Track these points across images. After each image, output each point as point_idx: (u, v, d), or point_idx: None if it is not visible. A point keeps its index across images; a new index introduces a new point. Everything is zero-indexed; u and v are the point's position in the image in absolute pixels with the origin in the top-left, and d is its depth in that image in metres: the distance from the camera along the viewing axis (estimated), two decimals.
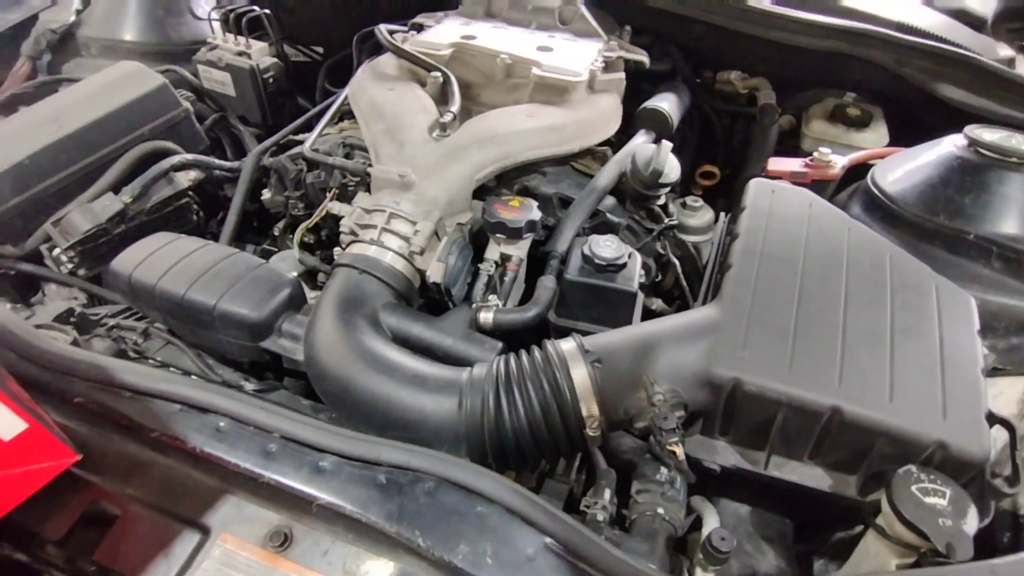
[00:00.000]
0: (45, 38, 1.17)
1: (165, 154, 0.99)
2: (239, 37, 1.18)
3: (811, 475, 0.62)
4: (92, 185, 0.92)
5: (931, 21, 1.16)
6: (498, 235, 0.80)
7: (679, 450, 0.56)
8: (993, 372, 0.74)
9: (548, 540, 0.48)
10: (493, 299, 0.77)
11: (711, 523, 0.58)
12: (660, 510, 0.57)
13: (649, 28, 1.18)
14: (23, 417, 0.46)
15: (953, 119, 0.93)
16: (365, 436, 0.55)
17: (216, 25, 1.24)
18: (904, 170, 0.88)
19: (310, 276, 0.97)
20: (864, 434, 0.56)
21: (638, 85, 1.09)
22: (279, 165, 0.99)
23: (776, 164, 0.95)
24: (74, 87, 0.99)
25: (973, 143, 0.84)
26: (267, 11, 1.20)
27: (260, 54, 1.18)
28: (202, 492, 0.52)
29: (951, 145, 0.85)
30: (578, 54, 1.00)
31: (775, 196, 0.76)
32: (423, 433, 0.60)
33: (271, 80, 1.18)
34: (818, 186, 0.93)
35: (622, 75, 1.02)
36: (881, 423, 0.55)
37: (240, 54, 1.16)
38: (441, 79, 0.96)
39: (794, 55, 1.11)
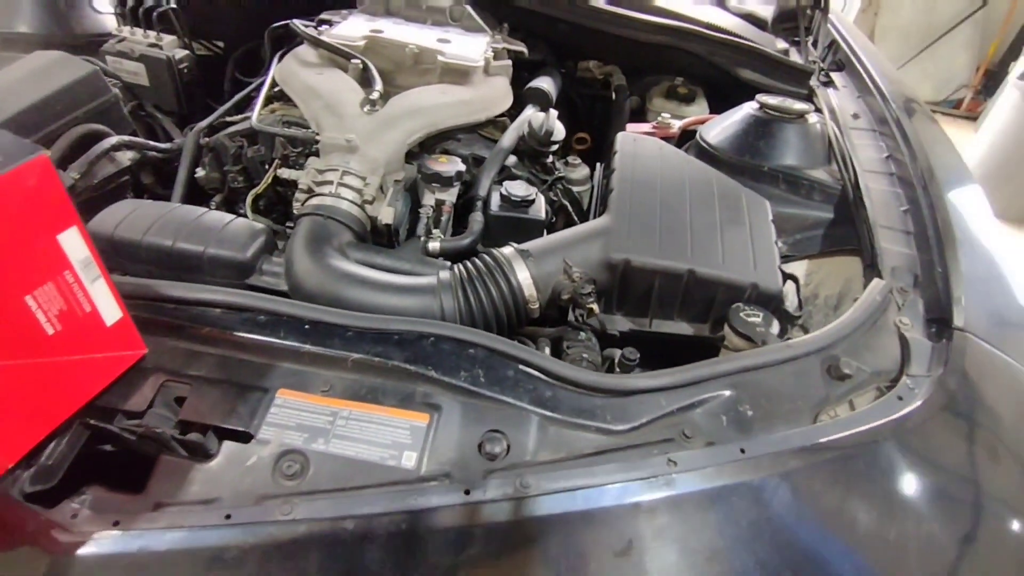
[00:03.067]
0: None
1: (100, 136, 1.06)
2: (148, 31, 1.26)
3: (679, 327, 0.90)
4: None
5: (729, 21, 1.53)
6: (433, 184, 1.00)
7: (595, 306, 0.80)
8: (785, 259, 1.08)
9: (520, 365, 0.70)
10: (437, 232, 0.97)
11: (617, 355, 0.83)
12: (585, 355, 0.81)
13: (521, 26, 1.44)
14: (121, 307, 0.59)
15: (749, 93, 1.27)
16: (376, 315, 0.72)
17: (113, 19, 1.30)
18: (720, 128, 1.21)
19: None
20: (710, 286, 0.84)
21: (519, 73, 1.34)
22: (218, 143, 1.10)
23: (631, 128, 1.25)
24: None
25: (763, 106, 1.18)
26: (174, 7, 1.28)
27: (171, 46, 1.26)
28: (255, 366, 0.66)
29: (749, 109, 1.19)
30: (471, 45, 1.23)
31: (636, 143, 1.04)
32: None
33: (186, 70, 1.27)
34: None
35: (509, 62, 1.26)
36: (719, 276, 0.84)
37: (152, 46, 1.24)
38: (361, 65, 1.13)
39: (637, 47, 1.43)
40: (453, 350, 0.70)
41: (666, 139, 1.25)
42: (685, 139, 1.29)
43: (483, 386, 0.67)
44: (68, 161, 1.01)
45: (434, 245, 0.93)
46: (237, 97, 1.22)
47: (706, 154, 1.18)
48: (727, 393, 0.70)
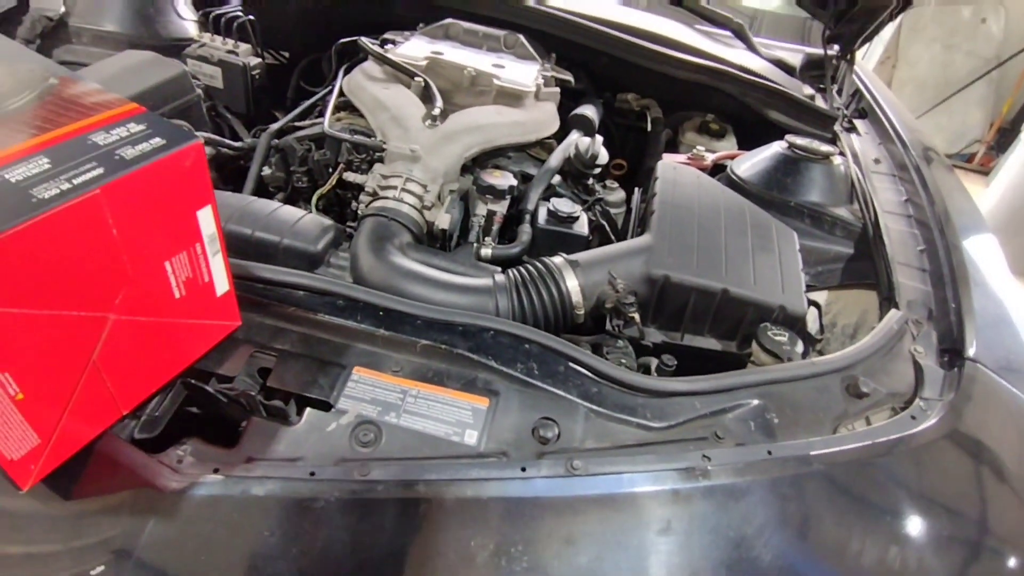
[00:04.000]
0: (40, 24, 1.26)
1: None
2: (226, 38, 1.36)
3: (709, 343, 0.97)
4: None
5: (760, 65, 1.63)
6: (487, 195, 1.08)
7: (636, 315, 0.88)
8: (807, 288, 1.16)
9: (570, 362, 0.77)
10: (488, 240, 1.05)
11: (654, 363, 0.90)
12: (623, 360, 0.88)
13: (565, 57, 1.53)
14: (230, 280, 0.66)
15: (776, 134, 1.35)
16: (442, 308, 0.80)
17: (194, 26, 1.40)
18: (751, 163, 1.29)
19: None
20: (741, 306, 0.92)
21: (563, 100, 1.43)
22: (287, 144, 1.19)
23: (668, 157, 1.33)
24: (94, 70, 1.12)
25: (791, 146, 1.26)
26: (251, 17, 1.39)
27: (246, 54, 1.36)
28: (333, 345, 0.74)
29: (778, 147, 1.28)
30: (523, 71, 1.32)
31: (676, 171, 1.12)
32: None
33: (256, 77, 1.36)
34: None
35: (557, 89, 1.35)
36: (750, 297, 0.91)
37: (229, 52, 1.34)
38: (423, 83, 1.23)
39: (674, 84, 1.52)
40: (511, 344, 0.77)
41: (699, 170, 1.33)
42: (715, 172, 1.37)
43: (537, 378, 0.74)
44: None
45: (486, 251, 1.01)
46: (306, 104, 1.31)
47: (736, 186, 1.26)
48: (755, 402, 0.77)
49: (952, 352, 0.88)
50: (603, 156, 1.19)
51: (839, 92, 1.65)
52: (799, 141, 1.26)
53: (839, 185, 1.25)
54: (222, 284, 0.66)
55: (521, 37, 1.41)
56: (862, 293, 1.13)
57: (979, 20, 4.52)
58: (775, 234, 1.03)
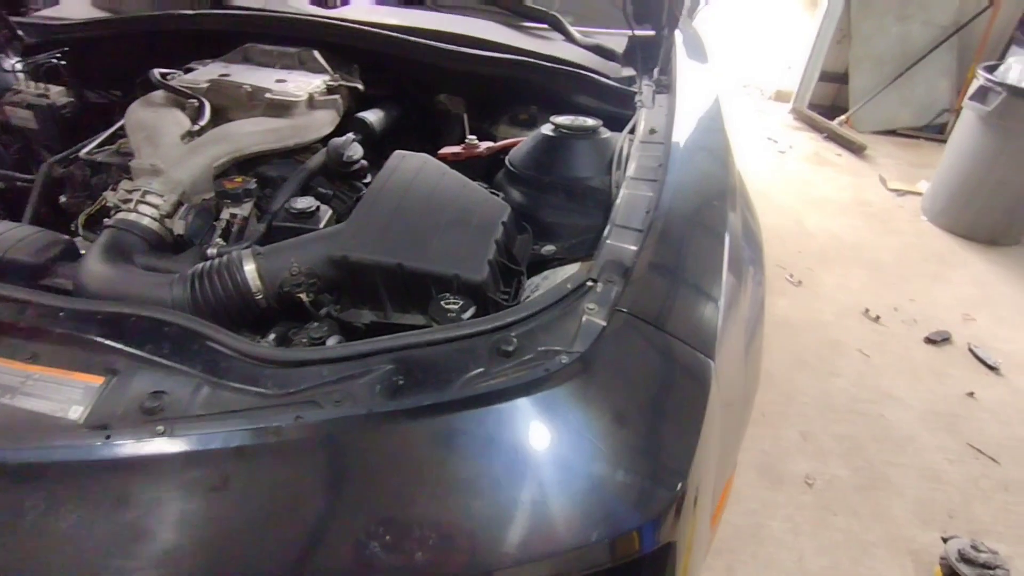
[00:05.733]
0: None
1: None
2: (39, 83, 1.47)
3: (415, 318, 1.00)
4: None
5: (576, 54, 1.66)
6: (224, 200, 1.15)
7: (304, 296, 0.92)
8: (558, 261, 1.17)
9: (207, 341, 0.81)
10: (218, 240, 1.10)
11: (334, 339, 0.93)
12: (304, 340, 0.91)
13: (375, 67, 1.60)
14: None
15: (590, 116, 1.37)
16: (95, 300, 0.86)
17: (22, 76, 1.52)
18: (521, 148, 1.32)
19: None
20: (421, 278, 0.95)
21: (362, 106, 1.49)
22: (68, 174, 1.28)
23: (445, 149, 1.38)
24: None
25: (557, 127, 1.29)
26: (59, 61, 1.50)
27: (59, 95, 1.47)
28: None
29: (543, 129, 1.30)
30: (305, 83, 1.39)
31: (404, 159, 1.16)
32: None
33: (68, 114, 1.47)
34: (472, 161, 1.36)
35: (337, 97, 1.41)
36: (425, 268, 0.94)
37: (39, 95, 1.45)
38: (197, 104, 1.31)
39: (480, 81, 1.56)
40: (150, 327, 0.82)
41: (474, 157, 1.37)
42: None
43: (164, 356, 0.79)
44: None
45: (211, 251, 1.07)
46: (106, 134, 1.40)
47: (509, 172, 1.29)
48: (388, 367, 0.80)
49: (616, 307, 0.88)
50: (356, 152, 1.24)
51: (651, 72, 1.66)
52: (562, 120, 1.29)
53: (601, 158, 1.26)
54: None
55: (315, 53, 1.48)
56: None
57: None
58: (482, 209, 1.06)
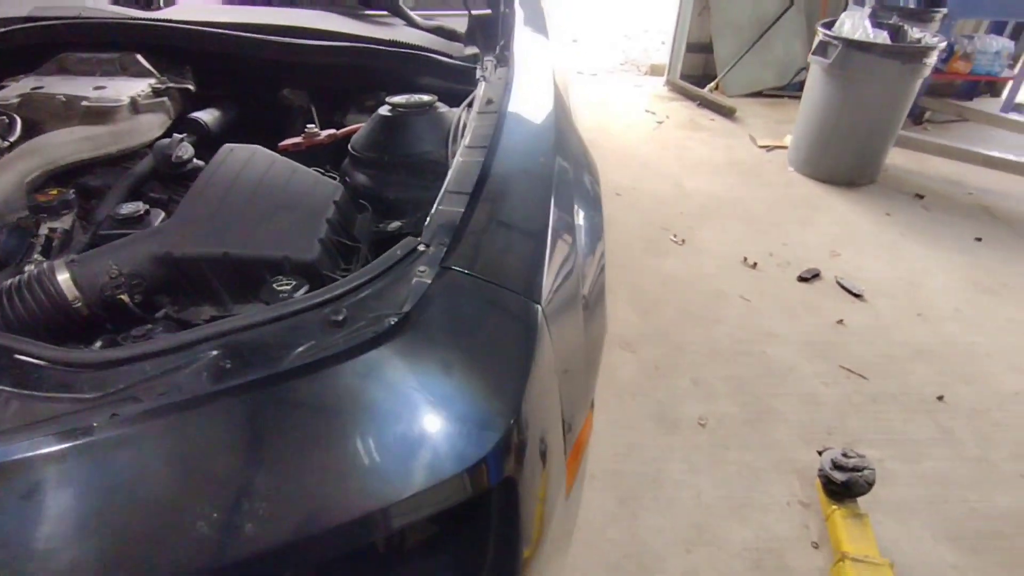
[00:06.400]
0: None
1: None
2: None
3: (253, 306, 0.98)
4: None
5: (419, 36, 1.67)
6: (40, 215, 1.08)
7: (126, 298, 0.88)
8: (404, 235, 1.18)
9: (15, 354, 0.76)
10: (38, 257, 1.04)
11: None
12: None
13: (207, 67, 1.55)
14: None
15: (438, 96, 1.38)
16: None
17: None
18: (364, 131, 1.32)
19: None
20: (251, 264, 0.93)
21: (197, 106, 1.44)
22: None
23: (286, 141, 1.36)
24: None
25: (393, 107, 1.30)
26: None
27: None
28: None
29: (380, 110, 1.31)
30: (127, 88, 1.33)
31: (232, 152, 1.13)
32: None
33: None
34: (314, 150, 1.35)
35: (164, 99, 1.36)
36: (253, 254, 0.92)
37: None
38: (7, 120, 1.22)
39: (319, 72, 1.55)
40: None
41: (316, 146, 1.36)
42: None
43: None
44: None
45: (29, 267, 1.01)
46: None
47: (352, 157, 1.29)
48: (214, 353, 0.78)
49: (443, 265, 0.90)
50: (186, 154, 1.20)
51: (504, 47, 1.70)
52: (397, 99, 1.30)
53: (439, 132, 1.28)
54: None
55: (137, 56, 1.42)
56: None
57: None
58: (312, 191, 1.05)
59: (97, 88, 1.31)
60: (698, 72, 5.20)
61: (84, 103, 1.25)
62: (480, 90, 1.44)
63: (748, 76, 4.94)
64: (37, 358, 0.76)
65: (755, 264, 2.94)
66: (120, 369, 0.76)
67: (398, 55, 1.54)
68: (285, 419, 0.72)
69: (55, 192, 1.10)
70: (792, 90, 5.06)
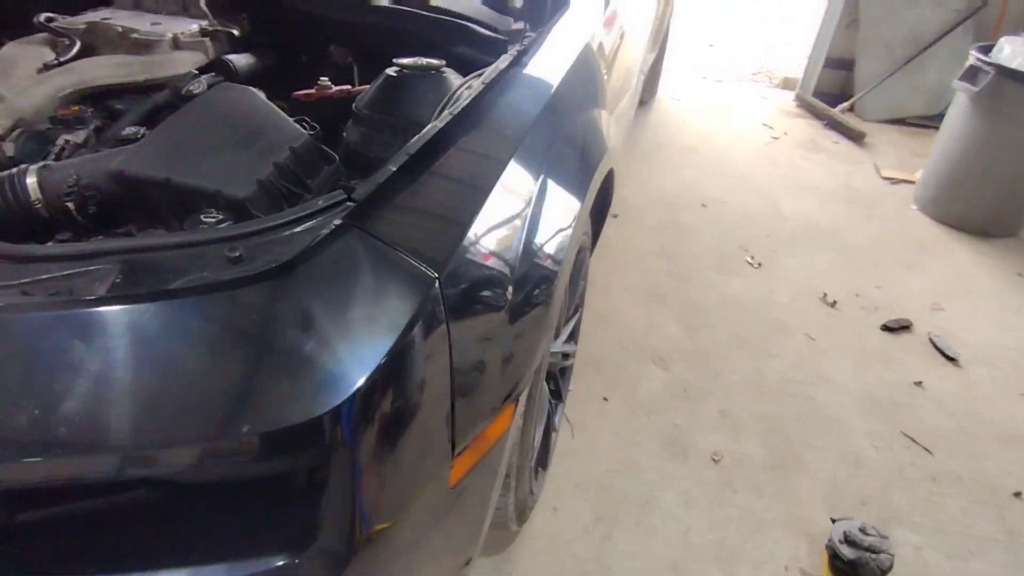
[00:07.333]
0: None
1: None
2: None
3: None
4: None
5: (468, 6, 1.65)
6: (57, 126, 1.19)
7: (71, 205, 0.95)
8: None
9: None
10: (47, 162, 1.15)
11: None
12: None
13: (264, 17, 1.63)
14: None
15: (467, 66, 1.37)
16: None
17: None
18: (370, 89, 1.33)
19: None
20: (189, 193, 0.96)
21: (246, 49, 1.52)
22: None
23: (299, 92, 1.40)
24: None
25: (398, 67, 1.29)
26: None
27: None
28: None
29: (387, 71, 1.30)
30: (178, 26, 1.43)
31: (223, 90, 1.17)
32: None
33: None
34: (323, 102, 1.38)
35: (205, 40, 1.45)
36: (190, 183, 0.96)
37: None
38: (68, 42, 1.36)
39: (365, 32, 1.58)
40: None
41: (323, 99, 1.39)
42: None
43: None
44: None
45: (33, 169, 1.11)
46: None
47: (352, 114, 1.30)
48: (110, 266, 0.81)
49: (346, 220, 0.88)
50: (197, 89, 1.27)
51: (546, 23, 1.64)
52: (405, 61, 1.29)
53: (437, 98, 1.25)
54: None
55: (199, 0, 1.52)
56: None
57: None
58: (274, 134, 1.07)
59: (154, 24, 1.43)
60: (835, 90, 4.74)
61: (134, 35, 1.36)
62: (500, 63, 1.40)
63: (891, 100, 4.42)
64: None
65: (835, 303, 2.64)
66: (29, 266, 0.82)
67: (434, 20, 1.53)
68: (143, 337, 0.74)
69: (76, 108, 1.21)
70: (940, 121, 4.46)
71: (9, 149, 1.16)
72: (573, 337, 1.89)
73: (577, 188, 1.24)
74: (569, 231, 1.14)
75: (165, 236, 0.85)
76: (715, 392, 2.16)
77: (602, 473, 1.83)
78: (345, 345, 0.75)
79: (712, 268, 2.81)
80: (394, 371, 0.76)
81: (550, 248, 1.09)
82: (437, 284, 0.82)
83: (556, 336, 1.61)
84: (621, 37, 2.06)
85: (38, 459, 0.67)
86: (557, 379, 1.75)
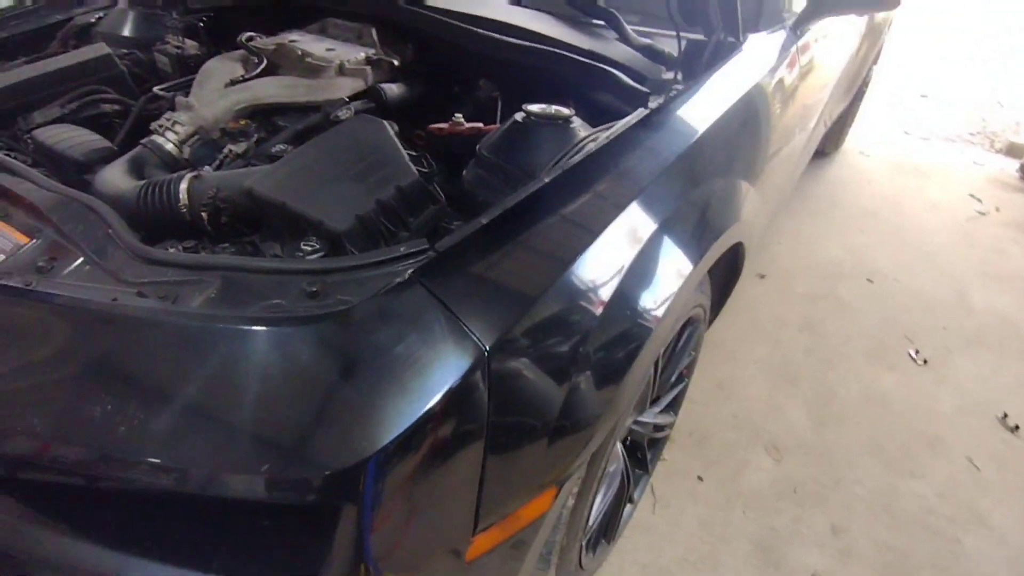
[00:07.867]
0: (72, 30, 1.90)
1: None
2: (180, 37, 1.86)
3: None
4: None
5: (620, 52, 1.62)
6: (225, 137, 1.36)
7: (204, 214, 1.08)
8: None
9: (108, 230, 1.01)
10: (208, 168, 1.32)
11: None
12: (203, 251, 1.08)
13: (429, 49, 1.73)
14: None
15: (607, 113, 1.37)
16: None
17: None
18: (496, 132, 1.35)
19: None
20: (299, 219, 1.04)
21: (395, 78, 1.63)
22: (157, 106, 1.61)
23: (433, 125, 1.46)
24: None
25: (526, 113, 1.30)
26: (202, 22, 1.88)
27: (191, 48, 1.84)
28: None
29: (516, 116, 1.31)
30: (348, 53, 1.57)
31: (357, 121, 1.26)
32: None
33: (191, 64, 1.82)
34: (454, 138, 1.43)
35: (367, 67, 1.56)
36: (300, 210, 1.03)
37: (176, 47, 1.83)
38: (255, 60, 1.56)
39: (516, 71, 1.61)
40: (80, 211, 1.03)
41: (454, 135, 1.44)
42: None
43: (76, 234, 0.99)
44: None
45: (187, 177, 1.28)
46: (184, 79, 1.72)
47: (476, 155, 1.33)
48: (215, 281, 0.91)
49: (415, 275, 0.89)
50: (344, 116, 1.39)
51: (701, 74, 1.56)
52: (533, 108, 1.29)
53: (560, 148, 1.24)
54: None
55: (372, 29, 1.66)
56: None
57: None
58: (386, 171, 1.12)
59: (328, 49, 1.58)
60: None
61: (308, 59, 1.52)
62: (630, 117, 1.36)
63: None
64: (120, 239, 0.98)
65: (1017, 427, 2.20)
66: (154, 267, 0.93)
67: (580, 65, 1.52)
68: (205, 357, 0.80)
69: (243, 123, 1.38)
70: None
71: (187, 153, 1.35)
72: (673, 407, 1.77)
73: (685, 260, 1.16)
74: (659, 311, 1.07)
75: (260, 260, 0.93)
76: (831, 502, 1.90)
77: (675, 560, 1.69)
78: (379, 401, 0.76)
79: (863, 355, 2.48)
80: (422, 437, 0.76)
81: (632, 325, 1.02)
82: (485, 356, 0.81)
83: (648, 406, 1.52)
84: (798, 85, 1.89)
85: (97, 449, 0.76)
86: (644, 450, 1.65)
